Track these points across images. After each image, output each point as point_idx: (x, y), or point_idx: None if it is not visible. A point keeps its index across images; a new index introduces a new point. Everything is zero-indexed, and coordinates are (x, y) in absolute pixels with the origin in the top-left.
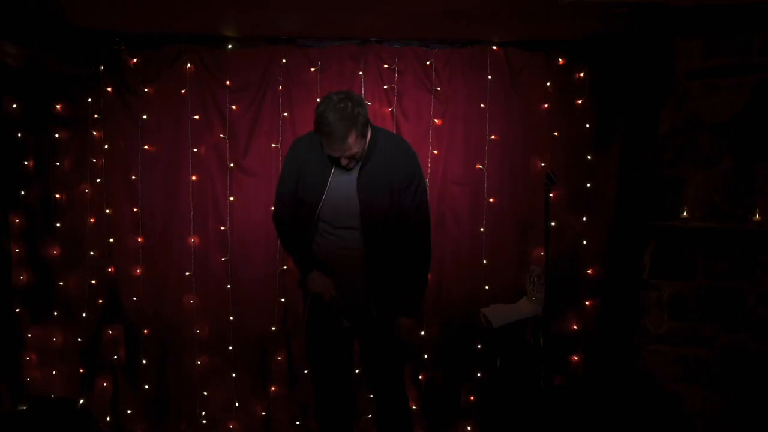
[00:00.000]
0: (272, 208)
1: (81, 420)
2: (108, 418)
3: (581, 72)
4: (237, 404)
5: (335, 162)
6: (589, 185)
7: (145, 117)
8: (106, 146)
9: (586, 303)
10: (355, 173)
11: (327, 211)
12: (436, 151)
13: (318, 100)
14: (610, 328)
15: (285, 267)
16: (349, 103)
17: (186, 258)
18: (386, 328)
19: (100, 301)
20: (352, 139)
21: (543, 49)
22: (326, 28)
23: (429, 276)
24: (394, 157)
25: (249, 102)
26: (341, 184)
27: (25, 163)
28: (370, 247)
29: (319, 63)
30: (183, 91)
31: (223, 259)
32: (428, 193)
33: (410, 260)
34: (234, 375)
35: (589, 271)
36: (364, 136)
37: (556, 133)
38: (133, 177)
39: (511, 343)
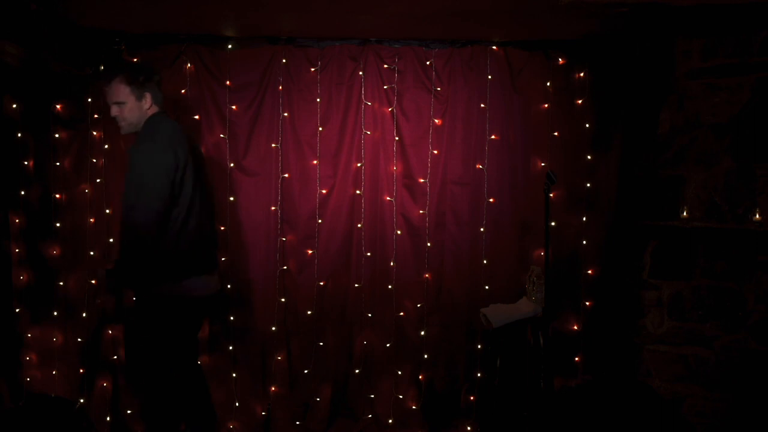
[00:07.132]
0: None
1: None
2: (108, 418)
3: (581, 72)
4: (237, 404)
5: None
6: (589, 185)
7: None
8: (106, 146)
9: (586, 303)
10: None
11: None
12: (436, 151)
13: (318, 100)
14: (610, 328)
15: (285, 267)
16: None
17: None
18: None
19: (100, 301)
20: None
21: (543, 49)
22: (326, 28)
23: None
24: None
25: (249, 102)
26: None
27: (25, 163)
28: None
29: (319, 63)
30: (183, 91)
31: (223, 259)
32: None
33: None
34: (234, 375)
35: (589, 271)
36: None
37: (556, 133)
38: None
39: (511, 343)
